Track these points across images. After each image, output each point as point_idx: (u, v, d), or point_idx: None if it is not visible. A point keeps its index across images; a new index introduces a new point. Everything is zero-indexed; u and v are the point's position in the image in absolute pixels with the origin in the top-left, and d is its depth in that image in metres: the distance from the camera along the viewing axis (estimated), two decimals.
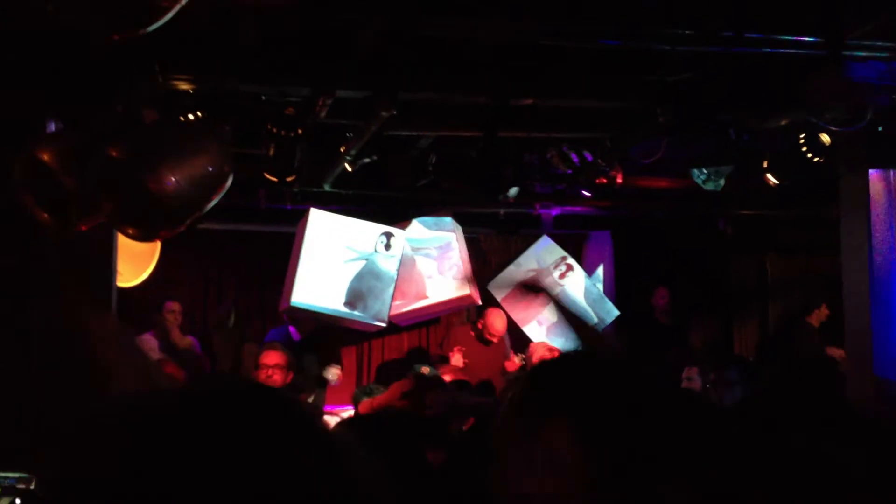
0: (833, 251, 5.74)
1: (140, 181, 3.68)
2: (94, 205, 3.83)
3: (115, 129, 4.03)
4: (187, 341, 7.24)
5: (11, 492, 3.16)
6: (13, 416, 4.11)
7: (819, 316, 7.70)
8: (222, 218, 6.53)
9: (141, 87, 4.16)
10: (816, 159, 5.35)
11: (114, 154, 3.76)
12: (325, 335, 7.19)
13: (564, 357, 1.54)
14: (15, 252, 4.24)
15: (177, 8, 2.29)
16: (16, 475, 3.42)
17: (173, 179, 3.67)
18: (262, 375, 5.70)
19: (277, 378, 5.74)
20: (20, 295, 4.21)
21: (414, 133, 6.08)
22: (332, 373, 6.93)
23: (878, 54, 4.37)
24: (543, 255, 7.91)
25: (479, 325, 7.68)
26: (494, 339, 7.56)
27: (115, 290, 4.69)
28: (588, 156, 6.15)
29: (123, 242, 4.85)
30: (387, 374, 8.05)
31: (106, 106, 4.10)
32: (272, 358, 5.83)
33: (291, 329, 7.14)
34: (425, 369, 6.65)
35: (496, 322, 7.57)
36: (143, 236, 4.08)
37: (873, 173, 5.35)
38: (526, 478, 1.25)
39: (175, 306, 7.22)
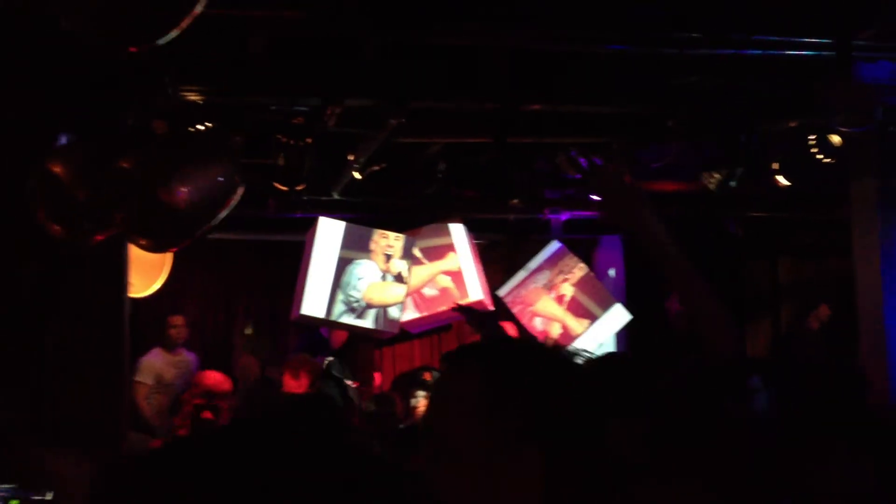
0: (845, 253, 5.71)
1: (152, 193, 3.70)
2: (106, 217, 3.84)
3: (127, 141, 4.05)
4: (183, 358, 7.19)
5: None
6: (25, 426, 4.12)
7: (819, 317, 7.57)
8: (232, 227, 6.54)
9: (152, 100, 4.18)
10: (827, 161, 5.34)
11: (125, 166, 3.78)
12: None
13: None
14: (32, 262, 4.27)
15: (188, 21, 2.30)
16: (8, 486, 3.41)
17: (185, 191, 3.69)
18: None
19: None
20: (38, 306, 4.23)
21: (423, 141, 6.09)
22: None
23: (888, 55, 4.35)
24: (553, 260, 7.90)
25: None
26: None
27: (128, 303, 4.70)
28: (597, 160, 6.13)
29: (134, 253, 4.87)
30: (399, 383, 8.06)
31: (117, 118, 4.12)
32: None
33: (324, 332, 7.17)
34: (427, 375, 6.66)
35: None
36: (155, 248, 4.10)
37: (885, 174, 5.32)
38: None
39: (178, 320, 7.21)
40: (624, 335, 7.98)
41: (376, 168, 6.31)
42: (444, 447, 1.26)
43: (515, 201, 6.47)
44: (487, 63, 4.65)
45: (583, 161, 6.95)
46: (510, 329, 7.59)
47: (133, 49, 2.50)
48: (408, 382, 7.17)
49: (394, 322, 6.90)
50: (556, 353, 1.38)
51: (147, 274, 6.01)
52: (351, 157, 5.94)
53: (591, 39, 4.23)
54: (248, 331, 7.42)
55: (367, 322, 6.81)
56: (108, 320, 4.49)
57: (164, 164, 3.83)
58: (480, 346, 1.44)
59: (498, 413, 1.26)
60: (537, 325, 7.78)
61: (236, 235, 7.48)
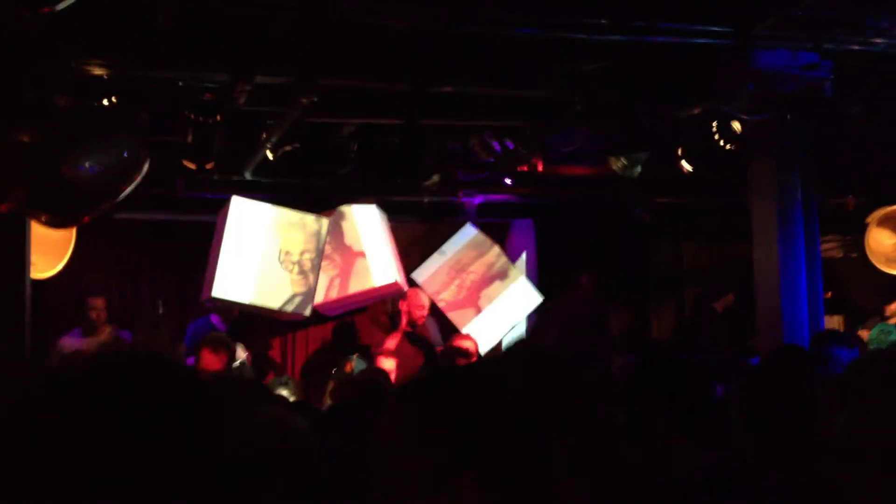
0: (746, 237, 5.90)
1: (52, 167, 3.61)
2: (4, 191, 3.74)
3: (25, 114, 3.93)
4: (105, 341, 7.03)
5: None
6: None
7: (725, 303, 8.06)
8: (141, 207, 6.41)
9: (52, 72, 4.06)
10: (729, 147, 5.51)
11: (24, 140, 3.68)
12: (250, 324, 7.16)
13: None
14: None
15: None
16: None
17: (87, 165, 3.61)
18: None
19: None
20: None
21: (336, 121, 6.06)
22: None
23: (785, 43, 4.51)
24: (467, 243, 7.97)
25: (402, 310, 7.64)
26: (420, 322, 7.59)
27: (29, 282, 4.57)
28: (509, 144, 6.23)
29: (37, 233, 4.73)
30: (313, 366, 8.04)
31: (14, 90, 3.99)
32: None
33: (214, 320, 7.05)
34: (349, 366, 6.66)
35: (421, 300, 7.60)
36: (56, 223, 4.00)
37: (781, 161, 5.51)
38: None
39: (98, 302, 7.04)
40: (534, 316, 8.11)
41: (289, 148, 6.25)
42: (383, 483, 1.27)
43: (430, 183, 6.50)
44: (398, 44, 4.66)
45: (496, 145, 6.96)
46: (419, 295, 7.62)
47: (27, 13, 2.42)
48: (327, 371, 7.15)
49: (307, 305, 6.86)
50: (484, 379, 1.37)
51: (50, 254, 5.85)
52: (263, 137, 5.88)
53: (499, 22, 4.28)
54: (161, 310, 7.27)
55: (280, 304, 6.76)
56: (6, 301, 4.36)
57: (65, 137, 3.74)
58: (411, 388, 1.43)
59: (427, 446, 1.26)
60: (451, 307, 7.85)
61: (146, 215, 7.32)
